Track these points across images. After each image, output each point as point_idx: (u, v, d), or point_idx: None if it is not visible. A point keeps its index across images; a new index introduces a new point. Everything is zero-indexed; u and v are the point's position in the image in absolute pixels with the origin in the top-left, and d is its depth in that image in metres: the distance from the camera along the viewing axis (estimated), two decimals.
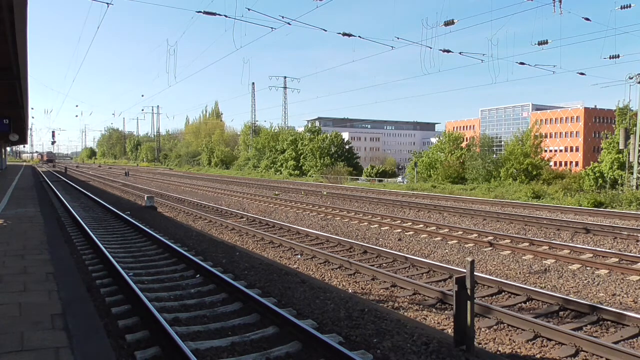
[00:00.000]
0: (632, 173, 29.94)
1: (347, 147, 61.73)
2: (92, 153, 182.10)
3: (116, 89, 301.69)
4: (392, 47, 27.44)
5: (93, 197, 22.42)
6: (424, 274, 9.58)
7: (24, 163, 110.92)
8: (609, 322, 6.66)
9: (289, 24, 20.62)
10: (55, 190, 25.16)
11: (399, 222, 16.56)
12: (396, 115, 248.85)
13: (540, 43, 24.33)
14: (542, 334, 6.14)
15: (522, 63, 25.98)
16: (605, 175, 35.60)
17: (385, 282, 8.87)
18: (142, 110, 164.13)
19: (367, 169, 58.74)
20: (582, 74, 27.82)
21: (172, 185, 38.76)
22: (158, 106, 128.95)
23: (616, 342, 5.92)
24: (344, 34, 21.79)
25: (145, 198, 20.68)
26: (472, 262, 4.97)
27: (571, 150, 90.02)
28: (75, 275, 7.12)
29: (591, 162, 45.30)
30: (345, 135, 74.36)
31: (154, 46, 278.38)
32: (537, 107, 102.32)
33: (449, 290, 7.61)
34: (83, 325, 4.87)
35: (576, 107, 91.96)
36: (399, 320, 6.02)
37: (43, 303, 5.51)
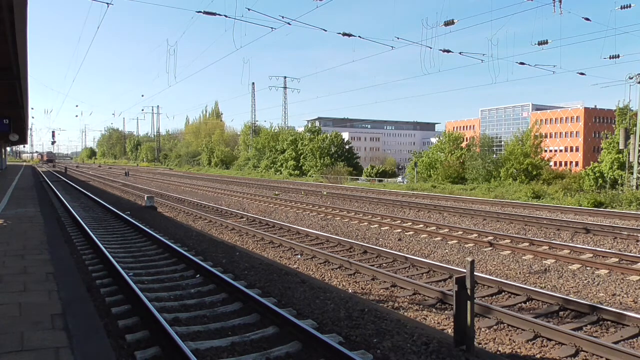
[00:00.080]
0: (632, 173, 29.94)
1: (347, 147, 61.74)
2: (92, 153, 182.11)
3: (116, 89, 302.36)
4: (392, 47, 27.46)
5: (93, 197, 22.42)
6: (424, 274, 9.58)
7: (24, 163, 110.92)
8: (609, 322, 6.66)
9: (289, 24, 20.65)
10: (55, 190, 25.16)
11: (399, 222, 16.56)
12: (396, 115, 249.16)
13: (540, 43, 24.34)
14: (542, 334, 6.14)
15: (522, 63, 26.01)
16: (605, 175, 35.60)
17: (385, 282, 8.87)
18: (142, 110, 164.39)
19: (367, 169, 58.74)
20: (582, 74, 27.86)
21: (172, 185, 38.77)
22: (158, 106, 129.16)
23: (616, 342, 5.92)
24: (344, 34, 21.80)
25: (145, 198, 20.68)
26: (472, 262, 4.97)
27: (571, 150, 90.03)
28: (75, 275, 7.12)
29: (591, 162, 45.31)
30: (345, 135, 74.38)
31: (154, 46, 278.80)
32: (537, 107, 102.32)
33: (449, 290, 7.61)
34: (83, 325, 4.87)
35: (576, 107, 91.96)
36: (399, 320, 6.02)
37: (43, 303, 5.51)
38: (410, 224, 16.13)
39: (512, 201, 25.09)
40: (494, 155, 46.91)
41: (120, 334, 5.36)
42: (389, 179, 52.57)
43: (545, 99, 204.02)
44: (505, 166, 41.85)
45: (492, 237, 13.15)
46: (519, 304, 7.61)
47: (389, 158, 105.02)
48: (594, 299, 7.95)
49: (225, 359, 4.88)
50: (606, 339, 6.04)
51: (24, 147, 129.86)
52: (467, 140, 53.70)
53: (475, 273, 5.08)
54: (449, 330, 6.05)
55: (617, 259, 10.52)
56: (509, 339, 6.12)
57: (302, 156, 62.40)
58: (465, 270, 4.99)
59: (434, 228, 15.15)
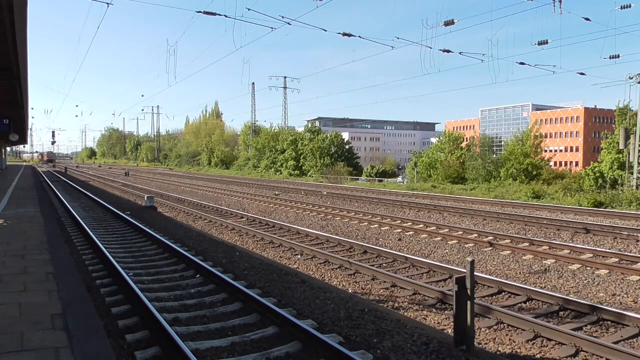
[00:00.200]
0: (632, 173, 29.94)
1: (347, 147, 61.74)
2: (92, 153, 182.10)
3: (116, 89, 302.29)
4: (392, 47, 27.46)
5: (93, 197, 22.42)
6: (424, 274, 9.58)
7: (24, 163, 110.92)
8: (609, 322, 6.66)
9: (289, 24, 20.65)
10: (55, 190, 25.16)
11: (399, 222, 16.56)
12: (396, 115, 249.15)
13: (540, 43, 24.34)
14: (542, 334, 6.14)
15: (522, 63, 26.01)
16: (605, 175, 35.59)
17: (385, 282, 8.87)
18: (142, 110, 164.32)
19: (367, 169, 58.74)
20: (582, 74, 27.85)
21: (172, 185, 38.77)
22: (158, 106, 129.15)
23: (616, 342, 5.92)
24: (344, 34, 21.80)
25: (145, 198, 20.68)
26: (472, 262, 4.97)
27: (571, 150, 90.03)
28: (75, 275, 7.12)
29: (591, 162, 45.30)
30: (345, 135, 74.38)
31: (154, 46, 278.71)
32: (537, 107, 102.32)
33: (449, 290, 7.61)
34: (83, 325, 4.87)
35: (576, 107, 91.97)
36: (399, 320, 6.02)
37: (43, 303, 5.51)
38: (410, 224, 16.13)
39: (512, 201, 25.09)
40: (494, 155, 46.93)
41: (120, 334, 5.36)
42: (389, 179, 52.57)
43: (545, 99, 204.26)
44: (505, 166, 41.86)
45: (492, 237, 13.15)
46: (519, 304, 7.61)
47: (389, 158, 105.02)
48: (594, 299, 7.95)
49: (225, 359, 4.88)
50: (606, 339, 6.04)
51: (24, 147, 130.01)
52: (467, 140, 53.72)
53: (475, 273, 5.08)
54: (449, 330, 6.05)
55: (617, 259, 10.52)
56: (509, 339, 6.12)
57: (302, 156, 62.40)
58: (465, 270, 4.99)
59: (434, 228, 15.15)
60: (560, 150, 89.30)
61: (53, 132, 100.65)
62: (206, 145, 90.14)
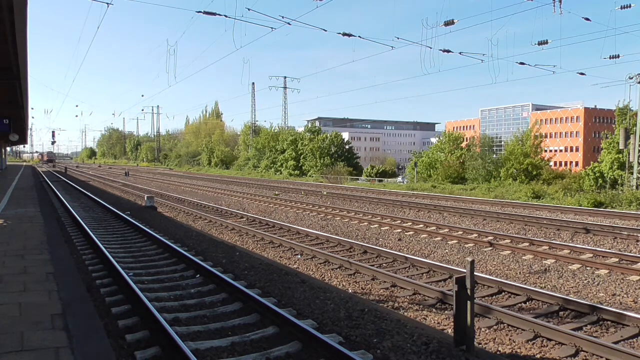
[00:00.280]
0: (632, 173, 29.94)
1: (347, 147, 61.74)
2: (92, 153, 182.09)
3: (116, 89, 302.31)
4: (392, 47, 27.47)
5: (93, 197, 22.42)
6: (424, 274, 9.58)
7: (24, 163, 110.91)
8: (609, 322, 6.66)
9: (289, 24, 20.65)
10: (55, 190, 25.16)
11: (399, 222, 16.56)
12: (396, 115, 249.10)
13: (540, 43, 24.33)
14: (542, 334, 6.14)
15: (522, 63, 26.00)
16: (605, 175, 35.59)
17: (385, 282, 8.87)
18: (142, 110, 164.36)
19: (367, 169, 58.74)
20: (582, 74, 27.85)
21: (172, 185, 38.77)
22: (158, 106, 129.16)
23: (616, 342, 5.92)
24: (344, 34, 21.80)
25: (145, 198, 20.68)
26: (472, 262, 4.97)
27: (571, 150, 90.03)
28: (75, 275, 7.12)
29: (591, 162, 45.30)
30: (345, 135, 74.37)
31: (154, 46, 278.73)
32: (537, 107, 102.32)
33: (449, 290, 7.61)
34: (83, 325, 4.87)
35: (576, 107, 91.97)
36: (399, 320, 6.02)
37: (43, 303, 5.51)
38: (410, 224, 16.13)
39: (512, 201, 25.09)
40: (494, 155, 46.92)
41: (120, 334, 5.36)
42: (389, 179, 52.57)
43: (545, 99, 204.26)
44: (505, 166, 41.86)
45: (492, 237, 13.15)
46: (519, 304, 7.61)
47: (389, 158, 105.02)
48: (594, 299, 7.95)
49: (225, 359, 4.88)
50: (606, 339, 6.04)
51: (24, 147, 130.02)
52: (467, 140, 53.71)
53: (475, 273, 5.08)
54: (449, 330, 6.05)
55: (617, 259, 10.52)
56: (509, 339, 6.12)
57: (302, 156, 62.40)
58: (465, 270, 4.99)
59: (434, 228, 15.15)
60: (560, 150, 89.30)
61: (53, 132, 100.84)
62: (206, 145, 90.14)
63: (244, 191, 31.20)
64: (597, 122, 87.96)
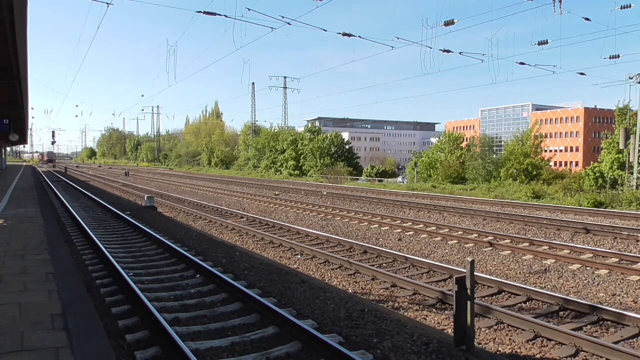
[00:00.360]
0: (632, 173, 29.94)
1: (347, 147, 61.74)
2: (92, 153, 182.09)
3: (116, 89, 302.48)
4: (392, 47, 27.46)
5: (93, 197, 22.42)
6: (424, 274, 9.58)
7: (24, 163, 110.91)
8: (609, 322, 6.66)
9: (289, 24, 20.65)
10: (55, 190, 25.16)
11: (399, 222, 16.56)
12: (396, 115, 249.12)
13: (540, 43, 24.34)
14: (542, 334, 6.14)
15: (522, 63, 26.01)
16: (605, 175, 35.60)
17: (385, 282, 8.87)
18: (142, 110, 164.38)
19: (367, 169, 58.74)
20: (582, 74, 27.85)
21: (172, 185, 38.77)
22: (158, 106, 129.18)
23: (616, 342, 5.92)
24: (344, 34, 21.80)
25: (145, 198, 20.68)
26: (472, 262, 4.97)
27: (571, 150, 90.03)
28: (75, 275, 7.12)
29: (591, 162, 45.31)
30: (345, 135, 74.37)
31: (154, 46, 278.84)
32: (537, 107, 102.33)
33: (449, 290, 7.61)
34: (83, 325, 4.87)
35: (576, 107, 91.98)
36: (399, 320, 6.02)
37: (43, 303, 5.51)
38: (410, 224, 16.13)
39: (512, 201, 25.09)
40: (494, 155, 46.92)
41: (120, 334, 5.36)
42: (389, 179, 52.56)
43: (545, 99, 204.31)
44: (505, 166, 41.86)
45: (492, 237, 13.15)
46: (519, 304, 7.61)
47: (389, 158, 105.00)
48: (594, 299, 7.95)
49: (225, 359, 4.88)
50: (606, 339, 6.04)
51: (24, 147, 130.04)
52: (467, 140, 53.70)
53: (475, 273, 5.08)
54: (449, 330, 6.05)
55: (617, 259, 10.52)
56: (509, 339, 6.12)
57: (302, 156, 62.40)
58: (465, 270, 4.99)
59: (434, 228, 15.15)
60: (560, 150, 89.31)
61: (53, 132, 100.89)
62: (206, 145, 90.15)
63: (244, 191, 31.20)
64: (597, 122, 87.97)
